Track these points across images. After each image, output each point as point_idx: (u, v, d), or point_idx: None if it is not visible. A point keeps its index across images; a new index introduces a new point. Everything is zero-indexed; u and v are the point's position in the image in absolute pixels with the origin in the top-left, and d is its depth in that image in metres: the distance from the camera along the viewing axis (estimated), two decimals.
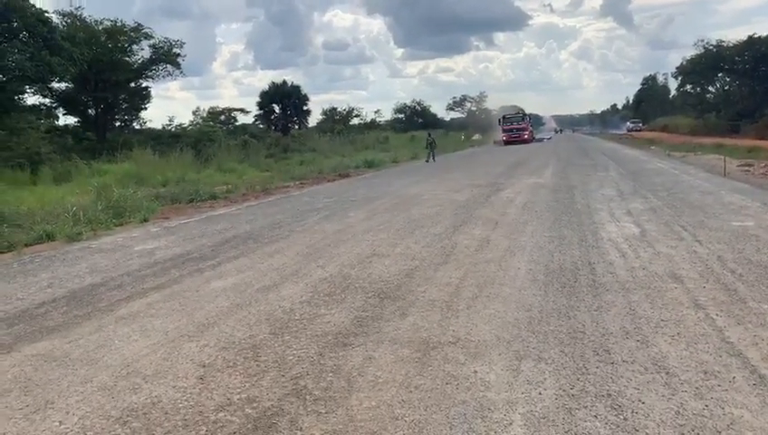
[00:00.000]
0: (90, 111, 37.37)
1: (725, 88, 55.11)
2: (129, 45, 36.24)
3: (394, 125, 78.21)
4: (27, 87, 29.54)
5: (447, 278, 5.87)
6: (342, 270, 6.44)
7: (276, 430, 3.06)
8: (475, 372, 3.63)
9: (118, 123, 41.58)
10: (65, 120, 38.39)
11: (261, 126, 61.01)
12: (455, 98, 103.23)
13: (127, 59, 36.61)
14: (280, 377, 3.67)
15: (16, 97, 28.62)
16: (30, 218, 10.64)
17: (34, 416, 3.36)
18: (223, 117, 60.67)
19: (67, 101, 36.07)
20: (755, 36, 48.26)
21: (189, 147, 28.50)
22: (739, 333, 4.06)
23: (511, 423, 3.01)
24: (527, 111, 62.31)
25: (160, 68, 38.59)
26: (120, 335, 4.65)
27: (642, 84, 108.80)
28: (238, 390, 3.52)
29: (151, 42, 36.67)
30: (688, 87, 59.09)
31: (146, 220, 11.48)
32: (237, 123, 59.65)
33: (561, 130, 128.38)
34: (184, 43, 38.18)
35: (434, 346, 4.07)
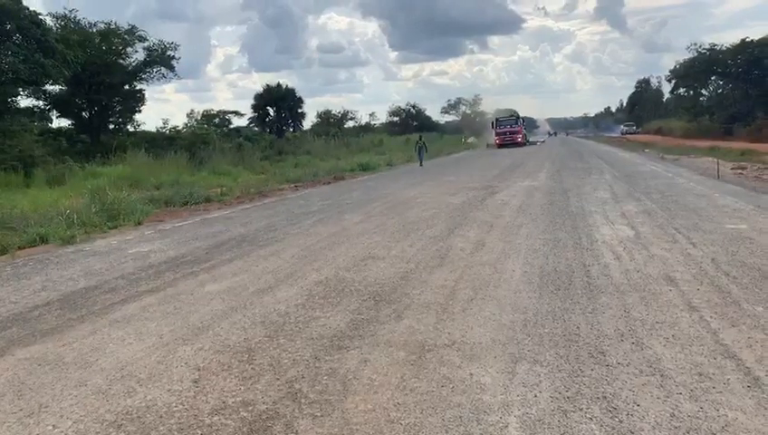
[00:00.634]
0: (84, 113, 37.27)
1: (719, 91, 55.34)
2: (124, 48, 36.15)
3: (389, 128, 78.27)
4: (21, 89, 29.41)
5: (443, 281, 5.87)
6: (338, 273, 6.43)
7: (272, 433, 3.05)
8: (471, 374, 3.62)
9: (112, 126, 41.40)
10: (59, 122, 38.31)
11: (255, 129, 60.90)
12: (449, 101, 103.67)
13: (121, 61, 36.53)
14: (275, 380, 3.66)
15: (9, 99, 28.51)
16: (23, 221, 10.60)
17: (28, 420, 3.34)
18: (217, 119, 60.47)
19: (61, 104, 35.97)
20: (748, 40, 48.47)
21: (184, 149, 28.44)
22: (733, 335, 4.07)
23: (506, 426, 3.01)
24: (521, 114, 61.94)
25: (154, 70, 38.49)
26: (114, 339, 4.63)
27: (636, 87, 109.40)
28: (233, 393, 3.51)
29: (145, 44, 36.60)
30: (682, 90, 59.35)
31: (140, 223, 11.45)
32: (232, 126, 59.46)
33: (555, 133, 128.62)
34: (178, 46, 38.12)
35: (429, 349, 4.07)
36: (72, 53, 28.57)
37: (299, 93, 63.77)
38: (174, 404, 3.41)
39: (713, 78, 54.54)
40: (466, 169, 24.44)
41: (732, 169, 17.65)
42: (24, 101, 33.12)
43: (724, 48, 50.68)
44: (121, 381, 3.77)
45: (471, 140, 68.61)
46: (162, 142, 33.75)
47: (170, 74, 39.03)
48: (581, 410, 3.13)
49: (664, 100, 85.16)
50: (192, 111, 66.04)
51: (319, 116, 72.81)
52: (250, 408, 3.32)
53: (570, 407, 3.16)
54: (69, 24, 33.33)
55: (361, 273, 6.38)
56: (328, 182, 21.27)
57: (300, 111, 63.72)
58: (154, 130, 42.96)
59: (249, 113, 62.63)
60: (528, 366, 3.71)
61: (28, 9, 26.49)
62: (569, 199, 11.82)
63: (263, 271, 6.70)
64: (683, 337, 4.07)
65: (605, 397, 3.26)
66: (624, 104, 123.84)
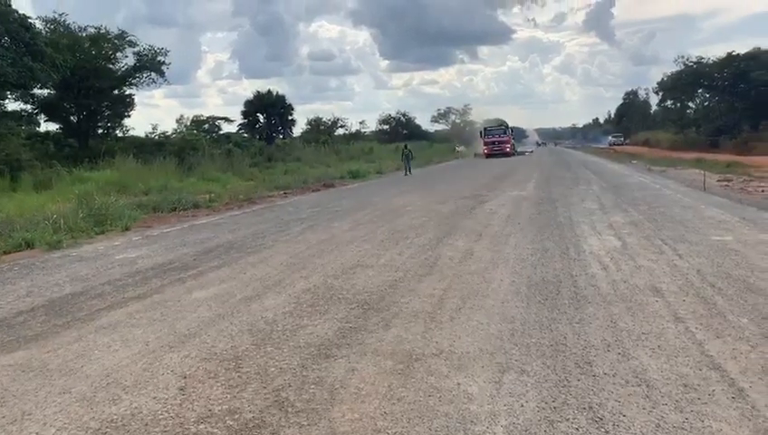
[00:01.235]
0: (72, 117, 37.05)
1: (705, 104, 55.90)
2: (113, 52, 36.00)
3: (379, 136, 78.38)
4: (8, 93, 29.21)
5: (431, 290, 5.88)
6: (326, 281, 6.42)
7: None
8: (458, 384, 3.63)
9: (100, 131, 41.17)
10: (47, 126, 38.06)
11: (245, 135, 60.76)
12: (439, 110, 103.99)
13: (110, 66, 36.38)
14: (262, 388, 3.64)
15: None
16: (9, 226, 10.50)
17: (11, 427, 3.30)
18: (207, 125, 60.38)
19: (49, 108, 35.75)
20: (734, 54, 49.09)
21: (173, 155, 28.33)
22: (718, 346, 4.10)
23: None
24: (511, 124, 61.88)
25: (144, 75, 38.36)
26: (99, 345, 4.60)
27: (624, 99, 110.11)
28: (219, 401, 3.49)
29: (135, 49, 36.47)
30: (669, 102, 59.95)
31: (127, 229, 11.39)
32: (221, 132, 59.39)
33: (544, 144, 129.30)
34: (168, 51, 38.02)
35: (417, 358, 4.07)
36: (60, 57, 28.42)
37: (289, 100, 63.74)
38: (159, 412, 3.39)
39: (699, 91, 55.11)
40: (456, 178, 24.52)
41: (718, 180, 17.82)
42: (12, 105, 32.94)
43: (710, 61, 51.28)
44: (106, 389, 3.74)
45: (461, 148, 68.84)
46: (151, 148, 33.64)
47: (160, 80, 38.92)
48: (568, 420, 3.14)
49: (651, 111, 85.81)
50: (182, 116, 65.84)
51: (309, 123, 72.80)
52: (236, 416, 3.30)
53: (556, 417, 3.17)
54: (58, 28, 33.16)
55: (350, 281, 6.37)
56: (317, 189, 21.27)
57: (290, 117, 63.70)
58: (143, 135, 42.83)
59: (239, 119, 62.57)
60: (515, 376, 3.72)
61: (17, 12, 26.32)
62: (557, 209, 11.88)
63: (250, 278, 6.68)
64: (669, 348, 4.10)
65: (591, 407, 3.27)
66: (612, 115, 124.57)
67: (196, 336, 4.70)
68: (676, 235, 8.41)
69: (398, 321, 4.90)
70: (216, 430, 3.15)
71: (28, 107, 35.08)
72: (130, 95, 40.20)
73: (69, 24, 33.93)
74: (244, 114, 62.20)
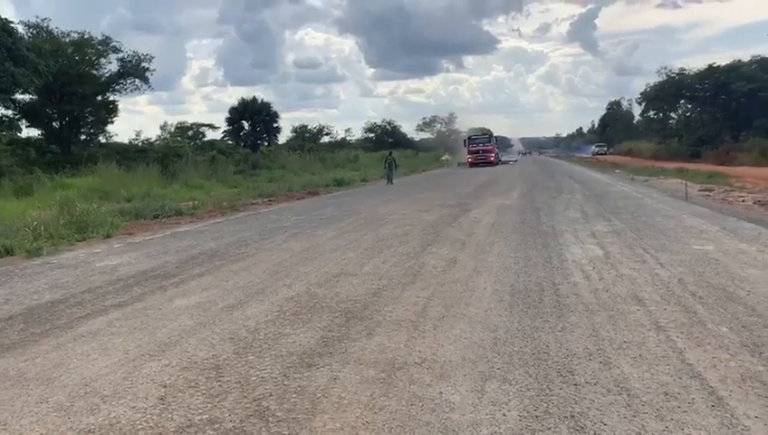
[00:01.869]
0: (54, 123, 36.78)
1: (687, 114, 56.68)
2: (97, 58, 35.84)
3: (364, 144, 78.47)
4: None
5: (415, 298, 5.87)
6: (309, 289, 6.39)
7: None
8: (441, 393, 3.62)
9: (83, 137, 40.93)
10: (28, 132, 37.67)
11: (230, 142, 60.66)
12: (425, 119, 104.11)
13: (94, 72, 36.21)
14: (242, 398, 3.61)
15: None
16: None
17: None
18: (191, 132, 60.27)
19: (31, 114, 35.42)
20: (715, 65, 49.87)
21: (156, 162, 28.14)
22: (698, 354, 4.13)
23: None
24: (495, 133, 62.02)
25: (128, 82, 38.20)
26: (78, 354, 4.53)
27: (607, 109, 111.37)
28: (199, 411, 3.45)
29: (119, 55, 36.32)
30: (651, 113, 60.64)
31: (109, 236, 11.26)
32: (206, 139, 59.27)
33: (529, 153, 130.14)
34: (153, 58, 37.93)
35: (399, 367, 4.05)
36: (43, 63, 28.24)
37: (274, 108, 63.78)
38: (138, 422, 3.34)
39: (681, 101, 55.87)
40: (440, 187, 24.59)
41: (699, 190, 18.04)
42: None
43: (692, 73, 52.02)
44: (84, 398, 3.68)
45: (445, 157, 69.08)
46: (134, 154, 33.43)
47: (144, 86, 38.78)
48: (549, 429, 3.14)
49: (634, 121, 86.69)
50: (166, 123, 65.57)
51: (294, 131, 72.83)
52: (216, 426, 3.26)
53: (538, 426, 3.17)
54: (41, 33, 32.99)
55: (333, 289, 6.35)
56: (302, 197, 21.22)
57: (275, 125, 63.70)
58: (126, 141, 42.56)
59: (224, 127, 62.45)
60: (497, 385, 3.71)
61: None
62: (540, 218, 11.94)
63: (233, 286, 6.63)
64: (650, 356, 4.12)
65: (573, 416, 3.27)
66: (596, 125, 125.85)
67: (176, 345, 4.65)
68: (657, 244, 8.49)
69: (381, 329, 4.89)
70: None
71: (9, 112, 34.67)
72: (114, 101, 40.03)
73: (52, 29, 33.76)
74: (229, 121, 62.10)
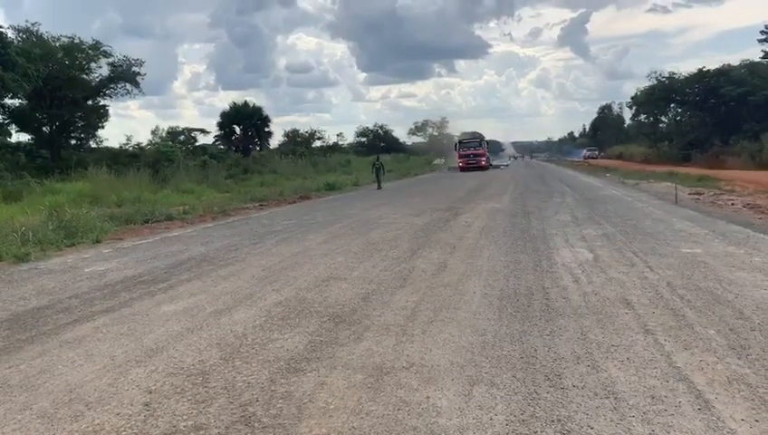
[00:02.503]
0: (44, 128, 36.54)
1: (677, 118, 56.92)
2: (87, 63, 35.66)
3: (356, 148, 78.48)
4: None
5: (404, 302, 5.86)
6: (298, 294, 6.37)
7: None
8: (428, 397, 3.60)
9: (74, 141, 40.70)
10: (18, 137, 37.44)
11: (221, 147, 60.43)
12: (417, 123, 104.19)
13: (84, 76, 36.02)
14: (228, 404, 3.58)
15: None
16: None
17: None
18: (183, 137, 59.99)
19: (20, 118, 35.18)
20: (705, 70, 50.13)
21: (147, 166, 28.01)
22: (686, 357, 4.14)
23: None
24: (487, 137, 61.43)
25: (119, 86, 38.06)
26: (64, 360, 4.49)
27: (598, 113, 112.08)
28: (185, 417, 3.42)
29: (110, 60, 36.17)
30: (642, 117, 60.89)
31: (99, 241, 11.19)
32: (197, 143, 59.01)
33: (521, 157, 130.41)
34: (143, 62, 37.80)
35: (387, 371, 4.04)
36: (33, 67, 28.07)
37: (266, 112, 63.50)
38: (123, 428, 3.31)
39: (672, 105, 56.11)
40: (432, 191, 24.62)
41: (689, 194, 18.12)
42: None
43: (682, 77, 52.28)
44: (69, 405, 3.65)
45: (437, 161, 69.15)
46: (125, 159, 33.26)
47: (135, 90, 38.64)
48: (536, 433, 3.13)
49: (625, 125, 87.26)
50: (157, 127, 65.26)
51: (286, 135, 72.63)
52: (202, 432, 3.24)
53: (524, 430, 3.16)
54: (31, 38, 32.79)
55: (322, 294, 6.33)
56: (293, 201, 21.17)
57: (267, 129, 63.43)
58: (117, 146, 42.37)
59: (215, 131, 62.22)
60: (485, 389, 3.70)
61: None
62: (530, 222, 11.96)
63: (221, 292, 6.60)
64: (637, 360, 4.13)
65: (559, 420, 3.27)
66: (587, 129, 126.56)
67: (163, 350, 4.62)
68: (647, 247, 8.51)
69: (369, 334, 4.87)
70: None
71: None
72: (104, 106, 39.86)
73: (42, 33, 33.59)
74: (221, 126, 61.88)
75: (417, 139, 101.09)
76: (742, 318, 5.00)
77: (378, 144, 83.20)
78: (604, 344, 4.47)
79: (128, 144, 44.08)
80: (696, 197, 17.30)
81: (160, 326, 5.30)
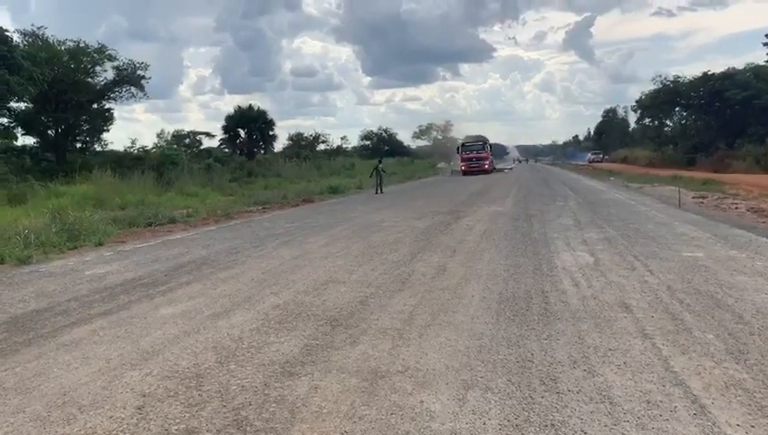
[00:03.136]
0: (49, 131, 36.67)
1: (682, 122, 56.77)
2: (93, 66, 35.77)
3: (361, 152, 78.55)
4: None
5: (402, 306, 5.84)
6: (296, 297, 6.36)
7: None
8: (422, 401, 3.59)
9: (79, 145, 40.81)
10: (24, 140, 37.58)
11: (226, 150, 60.61)
12: (421, 126, 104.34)
13: (89, 80, 36.13)
14: (221, 407, 3.57)
15: None
16: None
17: None
18: (188, 140, 60.17)
19: (26, 122, 35.31)
20: (710, 73, 49.99)
21: (151, 170, 28.09)
22: (683, 362, 4.11)
23: None
24: (492, 141, 60.69)
25: (124, 90, 38.16)
26: (59, 363, 4.49)
27: (603, 116, 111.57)
28: (177, 420, 3.41)
29: (115, 63, 36.29)
30: (647, 120, 60.75)
31: (101, 244, 11.21)
32: (202, 147, 59.17)
33: (526, 160, 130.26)
34: (148, 66, 37.90)
35: (382, 375, 4.02)
36: (38, 71, 28.19)
37: (271, 115, 63.66)
38: (114, 432, 3.30)
39: (676, 109, 55.93)
40: (435, 194, 24.59)
41: (693, 197, 18.04)
42: None
43: (687, 80, 52.11)
44: (62, 408, 3.64)
45: (441, 165, 69.12)
46: (130, 162, 33.32)
47: (140, 94, 38.73)
48: None
49: (630, 129, 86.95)
50: (163, 131, 65.42)
51: (290, 138, 72.79)
52: None
53: None
54: (37, 41, 32.92)
55: (320, 297, 6.32)
56: (296, 205, 21.19)
57: (271, 133, 63.58)
58: (122, 149, 42.47)
59: (220, 135, 62.39)
60: (479, 393, 3.68)
61: None
62: (532, 226, 11.93)
63: (220, 294, 6.60)
64: (634, 364, 4.10)
65: (553, 425, 3.25)
66: (591, 133, 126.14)
67: (159, 354, 4.61)
68: (648, 251, 8.47)
69: (365, 338, 4.85)
70: None
71: (4, 120, 34.60)
72: (109, 109, 39.95)
73: (47, 37, 33.71)
74: (225, 129, 62.04)
75: (422, 142, 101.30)
76: (741, 322, 4.97)
77: (382, 148, 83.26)
78: (601, 348, 4.44)
79: (132, 147, 44.20)
80: (700, 200, 17.23)
81: (157, 329, 5.29)
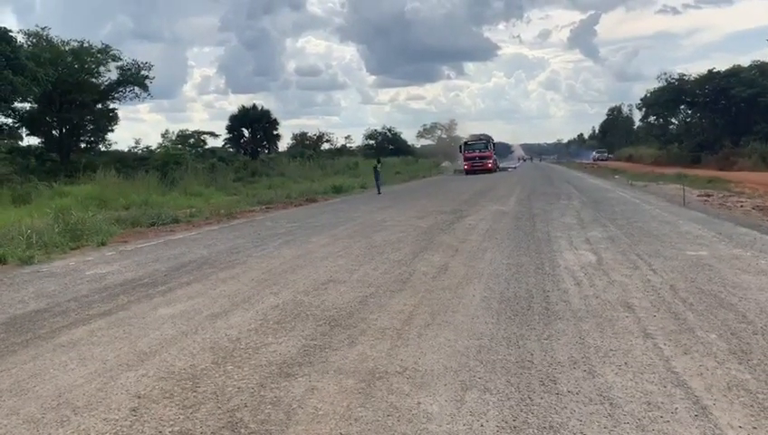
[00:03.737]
0: (54, 131, 36.82)
1: (687, 120, 56.53)
2: (96, 66, 35.88)
3: (365, 151, 78.47)
4: None
5: (401, 306, 5.79)
6: (296, 297, 6.32)
7: None
8: (419, 403, 3.54)
9: (83, 145, 40.95)
10: (29, 140, 37.75)
11: (230, 150, 60.67)
12: (425, 125, 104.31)
13: (93, 80, 36.25)
14: (216, 409, 3.54)
15: None
16: None
17: None
18: (192, 140, 60.19)
19: (31, 122, 35.49)
20: (715, 71, 49.73)
21: (155, 169, 28.11)
22: (685, 362, 4.05)
23: None
24: (496, 139, 60.13)
25: (127, 90, 38.27)
26: (56, 364, 4.47)
27: (608, 115, 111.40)
28: (171, 422, 3.38)
29: (119, 63, 36.40)
30: (652, 118, 60.54)
31: (103, 244, 11.21)
32: (207, 146, 59.23)
33: (530, 159, 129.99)
34: (152, 66, 38.00)
35: (380, 376, 3.98)
36: (42, 71, 28.28)
37: (275, 115, 63.73)
38: (108, 434, 3.27)
39: (681, 107, 55.71)
40: (438, 193, 24.54)
41: (698, 196, 17.94)
42: None
43: (692, 78, 51.88)
44: (56, 410, 3.61)
45: (445, 164, 68.99)
46: (134, 162, 33.40)
47: (143, 94, 38.85)
48: None
49: (635, 127, 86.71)
50: (167, 130, 65.42)
51: (294, 138, 72.86)
52: None
53: None
54: (41, 42, 33.04)
55: (320, 297, 6.28)
56: (300, 204, 21.18)
57: (275, 132, 63.60)
58: (126, 149, 42.58)
59: (224, 134, 62.42)
60: (478, 394, 3.64)
61: None
62: (535, 224, 11.86)
63: (219, 294, 6.56)
64: (635, 365, 4.04)
65: (552, 426, 3.20)
66: (596, 131, 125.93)
67: (156, 354, 4.58)
68: (651, 250, 8.40)
69: (364, 338, 4.81)
70: None
71: (9, 121, 34.75)
72: (114, 109, 40.13)
73: (52, 37, 33.82)
74: (229, 129, 62.06)
75: (426, 141, 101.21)
76: (744, 322, 4.90)
77: (386, 147, 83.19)
78: (602, 349, 4.39)
79: (136, 147, 44.29)
80: (705, 199, 17.12)
81: (155, 330, 5.26)
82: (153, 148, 44.71)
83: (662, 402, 3.45)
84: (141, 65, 37.58)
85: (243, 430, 3.25)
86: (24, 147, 37.35)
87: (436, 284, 6.73)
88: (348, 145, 77.65)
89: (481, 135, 56.11)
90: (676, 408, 3.37)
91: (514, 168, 64.95)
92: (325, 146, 72.37)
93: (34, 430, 3.36)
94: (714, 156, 43.76)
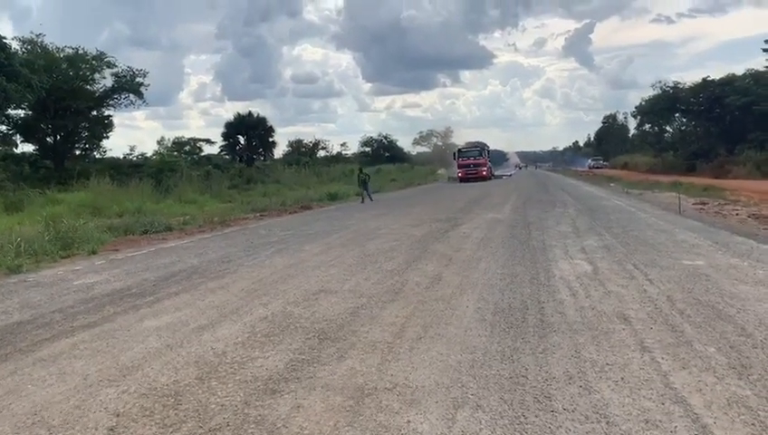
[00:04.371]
0: (48, 138, 36.63)
1: (682, 128, 56.61)
2: (91, 74, 35.74)
3: (361, 158, 78.38)
4: None
5: (393, 317, 5.66)
6: (286, 308, 6.19)
7: None
8: (409, 421, 3.41)
9: (78, 152, 40.74)
10: (23, 147, 37.55)
11: (226, 157, 60.54)
12: (421, 133, 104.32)
13: (88, 87, 36.10)
14: (197, 428, 3.40)
15: None
16: None
17: None
18: (188, 147, 60.06)
19: (25, 129, 35.29)
20: (709, 79, 49.85)
21: (150, 177, 27.95)
22: (683, 377, 3.93)
23: None
24: (492, 147, 59.96)
25: (122, 97, 38.13)
26: (34, 379, 4.32)
27: (603, 122, 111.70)
28: None
29: (114, 70, 36.26)
30: (647, 126, 60.63)
31: (94, 252, 11.06)
32: (203, 153, 59.13)
33: (525, 166, 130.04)
34: (147, 73, 37.87)
35: (369, 393, 3.85)
36: (36, 78, 28.11)
37: (272, 122, 63.67)
38: None
39: (676, 115, 55.83)
40: (433, 200, 24.43)
41: (693, 204, 17.86)
42: None
43: (686, 86, 52.00)
44: (30, 429, 3.47)
45: (440, 171, 68.94)
46: (128, 169, 33.24)
47: (139, 101, 38.71)
48: None
49: (630, 135, 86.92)
50: (163, 137, 65.31)
51: (290, 145, 72.75)
52: None
53: None
54: (35, 49, 32.89)
55: (310, 308, 6.14)
56: (294, 211, 21.04)
57: (271, 139, 63.46)
58: (121, 156, 42.41)
59: (220, 141, 62.29)
60: (470, 412, 3.51)
61: None
62: (530, 233, 11.75)
63: (207, 305, 6.42)
64: (632, 380, 3.92)
65: None
66: (592, 139, 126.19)
67: (138, 369, 4.44)
68: (647, 259, 8.29)
69: (354, 352, 4.68)
70: None
71: (3, 127, 34.56)
72: (109, 116, 39.99)
73: (46, 44, 33.68)
74: (225, 136, 61.95)
75: (422, 149, 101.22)
76: (744, 335, 4.79)
77: (382, 154, 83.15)
78: (598, 363, 4.26)
79: (131, 154, 44.12)
80: (701, 207, 17.05)
81: (140, 343, 5.12)
82: (149, 155, 44.58)
83: (660, 420, 3.33)
84: (136, 72, 37.48)
85: None
86: (18, 154, 37.17)
87: (429, 294, 6.60)
88: (344, 152, 77.58)
89: (476, 142, 55.81)
90: (676, 426, 3.25)
91: (510, 175, 64.83)
92: (321, 153, 72.33)
93: None
94: (708, 164, 43.79)
